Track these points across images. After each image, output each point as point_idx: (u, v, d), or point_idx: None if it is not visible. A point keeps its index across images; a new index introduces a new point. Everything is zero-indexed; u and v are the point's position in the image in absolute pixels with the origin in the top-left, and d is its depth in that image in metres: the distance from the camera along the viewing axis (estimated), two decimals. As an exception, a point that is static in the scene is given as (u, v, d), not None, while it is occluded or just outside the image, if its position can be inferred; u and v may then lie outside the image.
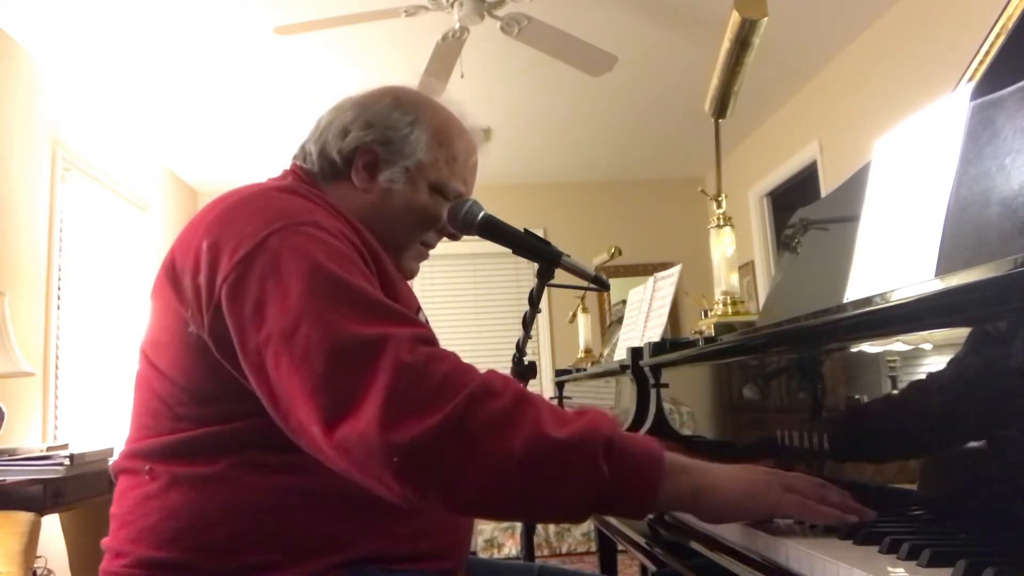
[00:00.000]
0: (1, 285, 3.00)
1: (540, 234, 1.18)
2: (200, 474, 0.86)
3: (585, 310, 3.29)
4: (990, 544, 0.61)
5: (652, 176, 5.84)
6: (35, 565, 2.47)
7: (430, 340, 0.82)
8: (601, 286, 1.24)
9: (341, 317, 0.79)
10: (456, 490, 0.75)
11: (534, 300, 1.26)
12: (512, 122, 4.60)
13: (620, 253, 3.08)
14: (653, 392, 1.50)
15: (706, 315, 1.81)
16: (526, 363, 1.32)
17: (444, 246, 1.19)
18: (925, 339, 0.72)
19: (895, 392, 0.76)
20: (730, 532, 0.85)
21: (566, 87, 4.11)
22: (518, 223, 1.19)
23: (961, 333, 0.67)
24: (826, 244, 1.21)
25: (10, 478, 2.37)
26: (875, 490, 0.79)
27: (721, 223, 1.74)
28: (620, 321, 2.39)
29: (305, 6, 3.14)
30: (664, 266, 2.25)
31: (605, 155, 5.36)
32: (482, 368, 0.81)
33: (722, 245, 1.74)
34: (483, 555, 4.18)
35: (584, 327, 3.25)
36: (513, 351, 1.34)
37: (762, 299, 3.80)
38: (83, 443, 3.24)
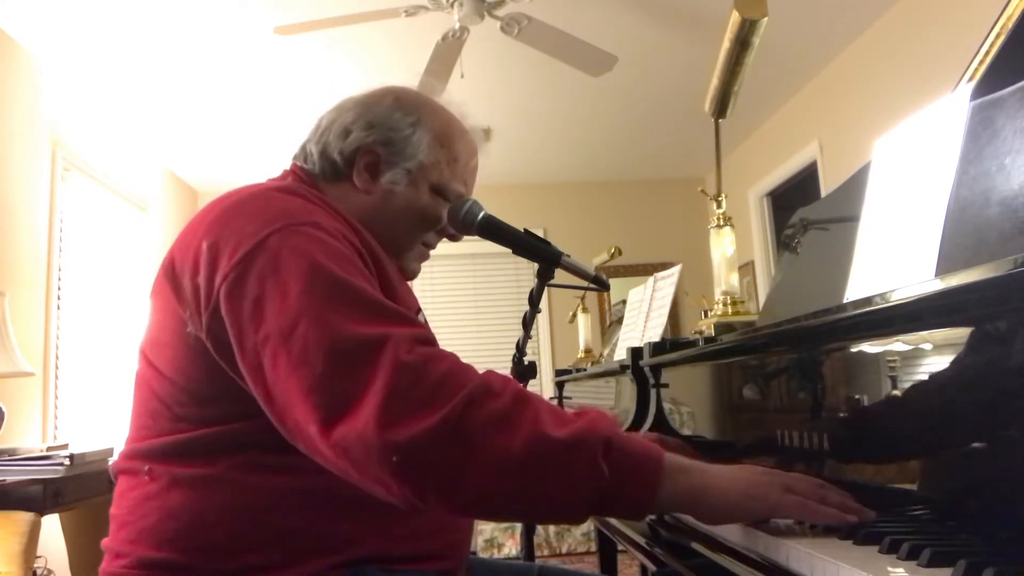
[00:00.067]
0: (1, 285, 3.00)
1: (540, 234, 1.18)
2: (199, 475, 0.85)
3: (585, 310, 3.29)
4: (990, 544, 0.61)
5: (652, 176, 5.84)
6: (35, 565, 2.47)
7: (429, 340, 0.82)
8: (601, 286, 1.24)
9: (340, 317, 0.79)
10: (455, 490, 0.75)
11: (534, 300, 1.26)
12: (512, 122, 4.60)
13: (620, 253, 3.08)
14: (653, 392, 1.50)
15: (706, 315, 1.81)
16: (526, 363, 1.32)
17: (444, 246, 1.19)
18: (925, 339, 0.72)
19: (895, 392, 0.76)
20: (730, 532, 0.85)
21: (566, 87, 4.11)
22: (518, 223, 1.19)
23: (961, 333, 0.67)
24: (826, 244, 1.21)
25: (10, 478, 2.37)
26: (875, 490, 0.79)
27: (721, 223, 1.74)
28: (620, 321, 2.39)
29: (305, 6, 3.14)
30: (664, 266, 2.25)
31: (605, 155, 5.36)
32: (482, 368, 0.81)
33: (722, 245, 1.74)
34: (483, 555, 4.18)
35: (584, 327, 3.25)
36: (513, 351, 1.34)
37: (762, 299, 3.80)
38: (83, 443, 3.24)
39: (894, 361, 0.76)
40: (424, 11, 2.96)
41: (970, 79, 1.25)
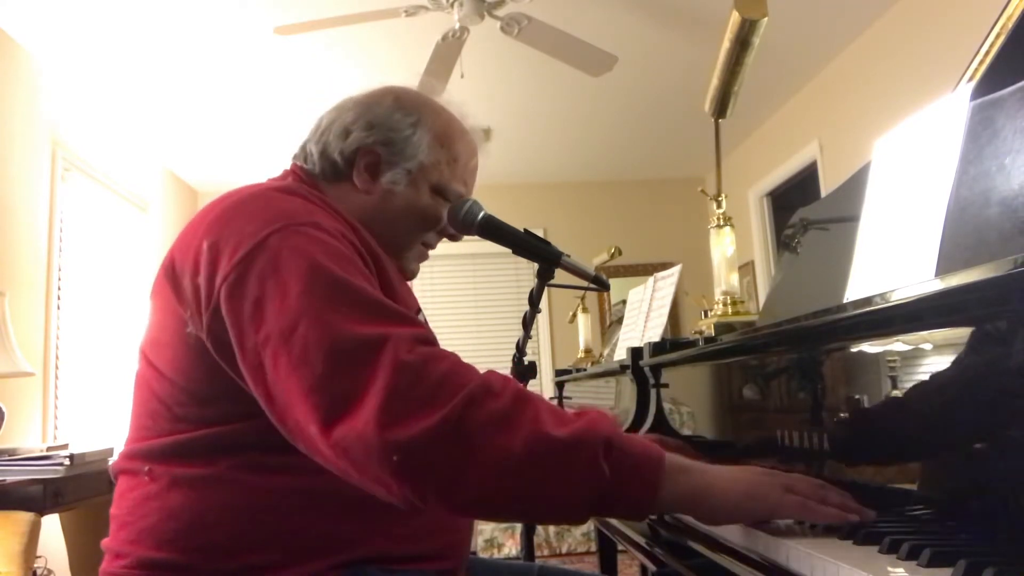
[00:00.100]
0: (1, 285, 3.00)
1: (540, 234, 1.18)
2: (199, 475, 0.85)
3: (585, 310, 3.29)
4: (990, 544, 0.61)
5: (652, 176, 5.84)
6: (35, 565, 2.47)
7: (430, 340, 0.82)
8: (601, 286, 1.24)
9: (340, 317, 0.79)
10: (455, 490, 0.74)
11: (534, 300, 1.26)
12: (512, 122, 4.60)
13: (620, 253, 3.08)
14: (653, 392, 1.50)
15: (706, 315, 1.81)
16: (526, 363, 1.32)
17: (444, 246, 1.19)
18: (925, 339, 0.72)
19: (895, 392, 0.76)
20: (730, 532, 0.85)
21: (566, 87, 4.11)
22: (518, 223, 1.19)
23: (961, 333, 0.67)
24: (826, 244, 1.21)
25: (10, 478, 2.37)
26: (875, 490, 0.79)
27: (721, 223, 1.74)
28: (620, 321, 2.39)
29: (305, 6, 3.14)
30: (664, 266, 2.25)
31: (605, 155, 5.36)
32: (482, 368, 0.81)
33: (722, 245, 1.74)
34: (483, 555, 4.18)
35: (584, 327, 3.25)
36: (513, 351, 1.34)
37: (762, 299, 3.80)
38: (83, 443, 3.24)
39: (894, 361, 0.76)
40: (424, 11, 2.96)
41: (970, 79, 1.25)
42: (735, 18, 1.56)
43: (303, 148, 1.09)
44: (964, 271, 0.64)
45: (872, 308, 0.76)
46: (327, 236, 0.87)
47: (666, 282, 1.99)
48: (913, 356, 0.74)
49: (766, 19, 1.55)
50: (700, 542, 0.91)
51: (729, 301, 1.72)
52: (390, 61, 3.70)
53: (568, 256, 1.17)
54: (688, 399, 1.40)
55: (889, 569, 0.61)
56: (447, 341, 0.82)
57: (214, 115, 4.28)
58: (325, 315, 0.78)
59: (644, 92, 4.28)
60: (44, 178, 3.53)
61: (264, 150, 4.76)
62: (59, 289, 3.58)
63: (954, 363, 0.68)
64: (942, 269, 0.78)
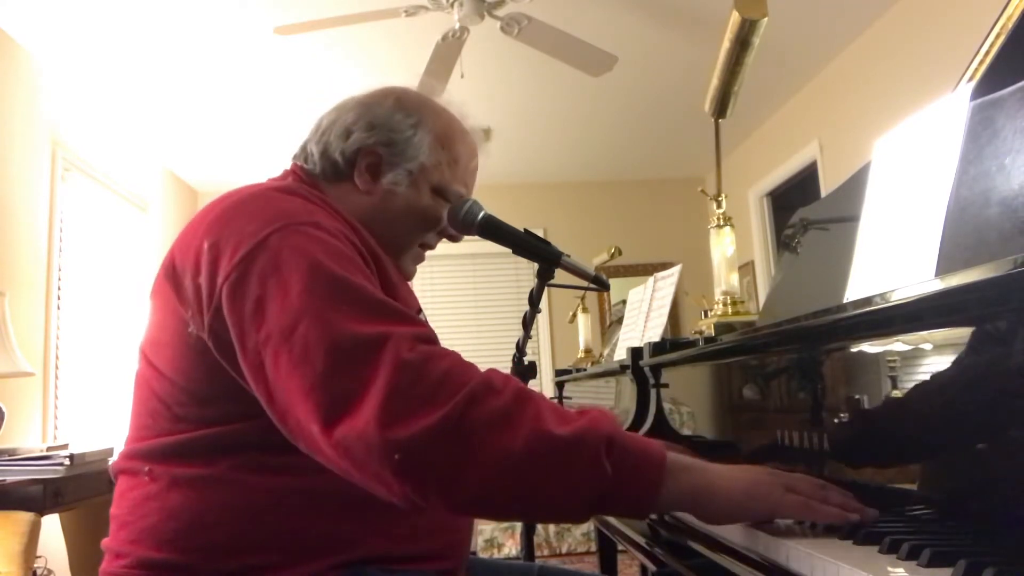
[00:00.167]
0: (1, 285, 3.00)
1: (540, 234, 1.18)
2: (199, 475, 0.85)
3: (585, 310, 3.29)
4: (990, 544, 0.61)
5: (652, 176, 5.84)
6: (35, 565, 2.47)
7: (430, 339, 0.82)
8: (601, 286, 1.24)
9: (341, 316, 0.79)
10: (456, 488, 0.74)
11: (534, 300, 1.26)
12: (512, 122, 4.60)
13: (620, 253, 3.08)
14: (653, 392, 1.50)
15: (706, 315, 1.81)
16: (526, 363, 1.32)
17: (444, 246, 1.19)
18: (925, 339, 0.72)
19: (895, 392, 0.76)
20: (730, 532, 0.85)
21: (566, 87, 4.11)
22: (518, 223, 1.19)
23: (961, 333, 0.67)
24: (826, 244, 1.21)
25: (10, 478, 2.37)
26: (875, 490, 0.79)
27: (721, 223, 1.74)
28: (620, 321, 2.39)
29: (305, 6, 3.14)
30: (664, 266, 2.25)
31: (605, 155, 5.36)
32: (483, 368, 0.81)
33: (722, 245, 1.74)
34: (483, 555, 4.18)
35: (584, 327, 3.25)
36: (513, 351, 1.34)
37: (762, 299, 3.80)
38: (83, 443, 3.24)
39: (894, 361, 0.76)
40: (424, 11, 2.96)
41: (970, 79, 1.25)
42: (735, 18, 1.56)
43: (303, 148, 1.09)
44: (964, 271, 0.64)
45: (872, 308, 0.76)
46: (327, 235, 0.87)
47: (666, 282, 1.99)
48: (913, 356, 0.74)
49: (766, 19, 1.55)
50: (700, 542, 0.91)
51: (729, 301, 1.72)
52: (390, 61, 3.70)
53: (568, 256, 1.17)
54: (688, 399, 1.40)
55: (889, 569, 0.61)
56: (447, 341, 0.81)
57: (214, 115, 4.28)
58: (326, 314, 0.78)
59: (644, 92, 4.29)
60: (44, 178, 3.53)
61: (264, 150, 4.76)
62: (59, 289, 3.58)
63: (954, 363, 0.68)
64: (942, 269, 0.78)
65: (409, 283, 1.11)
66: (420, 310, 1.05)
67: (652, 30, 3.58)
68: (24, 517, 2.32)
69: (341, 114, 1.08)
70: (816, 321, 0.88)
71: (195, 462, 0.86)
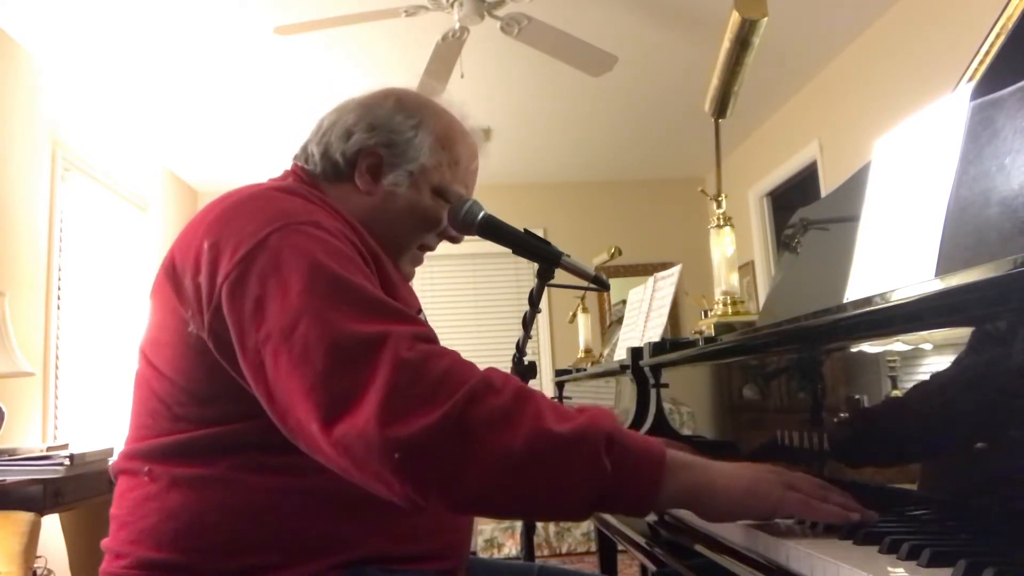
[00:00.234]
0: (1, 285, 3.00)
1: (540, 234, 1.18)
2: (199, 475, 0.85)
3: (585, 310, 3.29)
4: (990, 544, 0.61)
5: (652, 176, 5.84)
6: (35, 565, 2.47)
7: (430, 338, 0.82)
8: (601, 286, 1.24)
9: (341, 315, 0.79)
10: (457, 487, 0.74)
11: (534, 300, 1.26)
12: (512, 122, 4.60)
13: (620, 253, 3.08)
14: (653, 392, 1.50)
15: (706, 315, 1.81)
16: (526, 363, 1.32)
17: (444, 246, 1.19)
18: (925, 339, 0.72)
19: (895, 392, 0.76)
20: (730, 532, 0.85)
21: (566, 87, 4.11)
22: (518, 223, 1.19)
23: (961, 333, 0.67)
24: (826, 244, 1.21)
25: (10, 478, 2.37)
26: (875, 490, 0.79)
27: (721, 223, 1.74)
28: (620, 321, 2.39)
29: (305, 6, 3.14)
30: (664, 266, 2.25)
31: (605, 155, 5.36)
32: (482, 368, 0.81)
33: (722, 245, 1.74)
34: (483, 555, 4.18)
35: (584, 327, 3.25)
36: (513, 351, 1.34)
37: (762, 299, 3.80)
38: (83, 443, 3.24)
39: (894, 361, 0.76)
40: (424, 11, 2.96)
41: (970, 79, 1.25)
42: (735, 18, 1.56)
43: (304, 149, 1.09)
44: (964, 271, 0.64)
45: (872, 308, 0.76)
46: (327, 235, 0.87)
47: (666, 282, 1.99)
48: (913, 356, 0.74)
49: (766, 19, 1.55)
50: (700, 542, 0.91)
51: (729, 301, 1.72)
52: (390, 61, 3.70)
53: (568, 256, 1.17)
54: (688, 399, 1.40)
55: (889, 569, 0.61)
56: (447, 341, 0.81)
57: (214, 115, 4.28)
58: (326, 313, 0.78)
59: (644, 92, 4.28)
60: (44, 178, 3.53)
61: (264, 150, 4.76)
62: (59, 289, 3.58)
63: (954, 363, 0.68)
64: (942, 269, 0.78)
65: (409, 283, 1.12)
66: (420, 310, 1.05)
67: (652, 30, 3.58)
68: (24, 517, 2.32)
69: (342, 115, 1.08)
70: (816, 321, 0.88)
71: (195, 462, 0.86)
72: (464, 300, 5.65)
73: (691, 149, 5.18)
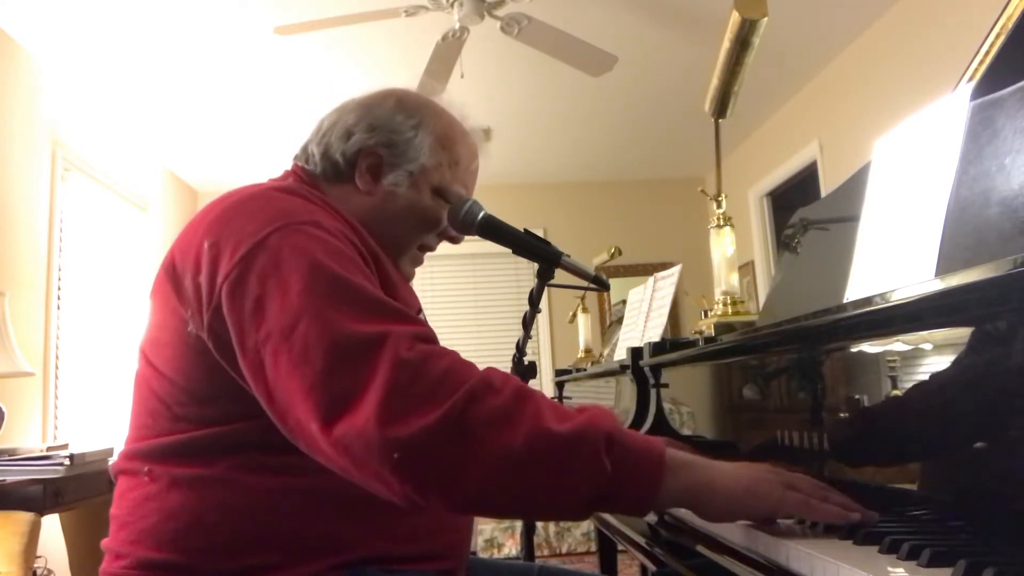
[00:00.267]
0: (1, 285, 3.00)
1: (540, 234, 1.18)
2: (199, 475, 0.85)
3: (585, 310, 3.29)
4: (990, 544, 0.61)
5: (652, 176, 5.84)
6: (35, 565, 2.47)
7: (430, 338, 0.82)
8: (601, 286, 1.24)
9: (341, 315, 0.79)
10: (456, 487, 0.74)
11: (534, 300, 1.26)
12: (512, 122, 4.60)
13: (620, 253, 3.08)
14: (653, 392, 1.50)
15: (706, 315, 1.81)
16: (526, 363, 1.32)
17: (444, 246, 1.19)
18: (925, 339, 0.72)
19: (895, 392, 0.76)
20: (730, 532, 0.85)
21: (566, 87, 4.11)
22: (518, 223, 1.19)
23: (961, 333, 0.67)
24: (826, 244, 1.21)
25: (10, 478, 2.37)
26: (875, 490, 0.79)
27: (721, 223, 1.74)
28: (620, 321, 2.39)
29: (305, 6, 3.14)
30: (664, 266, 2.25)
31: (605, 155, 5.36)
32: (482, 368, 0.81)
33: (722, 245, 1.74)
34: (483, 555, 4.18)
35: (584, 327, 3.25)
36: (513, 351, 1.34)
37: (762, 299, 3.80)
38: (83, 443, 3.24)
39: (894, 361, 0.76)
40: (424, 11, 2.96)
41: (970, 79, 1.25)
42: (735, 18, 1.56)
43: (304, 149, 1.09)
44: (964, 271, 0.64)
45: (872, 308, 0.76)
46: (327, 235, 0.87)
47: (666, 282, 1.99)
48: (913, 356, 0.74)
49: (766, 19, 1.55)
50: (700, 542, 0.91)
51: (729, 301, 1.72)
52: (390, 61, 3.70)
53: (568, 256, 1.17)
54: (688, 399, 1.40)
55: (889, 569, 0.61)
56: (447, 341, 0.82)
57: (214, 115, 4.28)
58: (325, 313, 0.78)
59: (644, 92, 4.28)
60: (44, 178, 3.53)
61: (264, 150, 4.76)
62: (59, 289, 3.58)
63: (954, 363, 0.68)
64: (942, 269, 0.78)
65: (409, 283, 1.12)
66: (420, 310, 1.05)
67: (652, 30, 3.58)
68: (24, 517, 2.32)
69: (342, 115, 1.08)
70: (816, 321, 0.88)
71: (195, 462, 0.86)
72: (464, 300, 5.65)
73: (691, 149, 5.18)
